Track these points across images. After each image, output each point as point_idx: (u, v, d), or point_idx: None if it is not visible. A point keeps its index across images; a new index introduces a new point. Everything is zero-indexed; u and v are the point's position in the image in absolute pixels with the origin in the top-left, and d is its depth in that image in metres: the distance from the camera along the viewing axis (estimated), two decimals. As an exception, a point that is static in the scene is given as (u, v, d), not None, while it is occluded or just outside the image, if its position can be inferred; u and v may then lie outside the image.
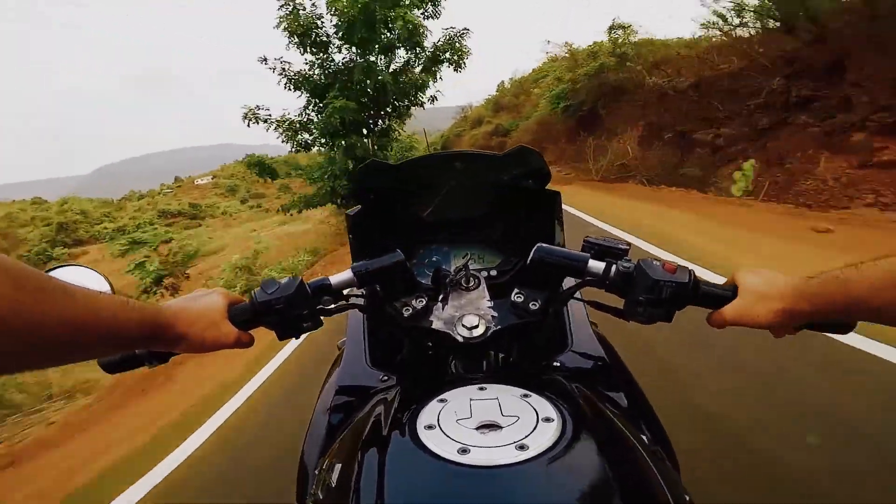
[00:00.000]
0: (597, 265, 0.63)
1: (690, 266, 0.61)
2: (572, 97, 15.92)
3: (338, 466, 0.53)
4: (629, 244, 0.65)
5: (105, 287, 0.63)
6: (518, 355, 0.78)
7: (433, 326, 0.70)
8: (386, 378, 0.79)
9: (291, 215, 11.17)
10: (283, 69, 9.74)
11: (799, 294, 0.53)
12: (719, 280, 0.63)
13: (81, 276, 0.63)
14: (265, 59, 9.72)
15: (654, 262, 0.60)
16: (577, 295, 0.73)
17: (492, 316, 0.70)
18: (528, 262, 0.67)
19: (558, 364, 0.79)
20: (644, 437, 0.61)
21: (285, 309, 0.61)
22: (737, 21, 8.70)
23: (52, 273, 0.53)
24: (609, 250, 0.64)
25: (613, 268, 0.62)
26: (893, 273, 0.43)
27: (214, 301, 0.58)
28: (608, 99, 14.19)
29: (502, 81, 32.26)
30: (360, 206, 0.89)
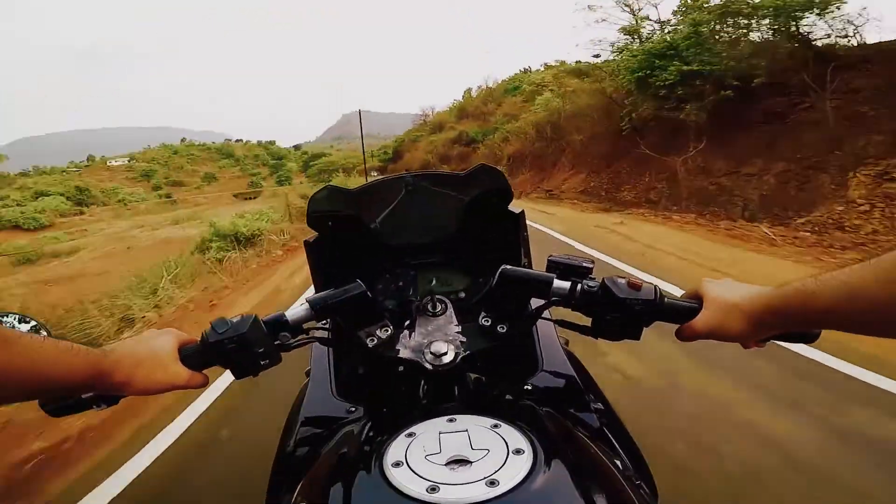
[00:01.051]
0: (562, 285, 0.63)
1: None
2: (693, 58, 7.65)
3: None
4: (593, 261, 0.65)
5: (42, 332, 0.62)
6: (489, 380, 0.76)
7: (400, 355, 0.68)
8: (353, 409, 0.77)
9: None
10: None
11: (766, 304, 0.52)
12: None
13: (16, 324, 0.63)
14: None
15: (619, 280, 0.60)
16: (546, 314, 0.72)
17: (460, 341, 0.68)
18: (493, 284, 0.66)
19: (530, 387, 0.78)
20: (619, 463, 0.60)
21: (239, 348, 0.58)
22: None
23: None
24: (574, 269, 0.64)
25: (579, 287, 0.62)
26: (849, 283, 0.43)
27: (164, 342, 0.57)
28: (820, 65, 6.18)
29: (469, 89, 29.89)
30: (317, 234, 0.87)
